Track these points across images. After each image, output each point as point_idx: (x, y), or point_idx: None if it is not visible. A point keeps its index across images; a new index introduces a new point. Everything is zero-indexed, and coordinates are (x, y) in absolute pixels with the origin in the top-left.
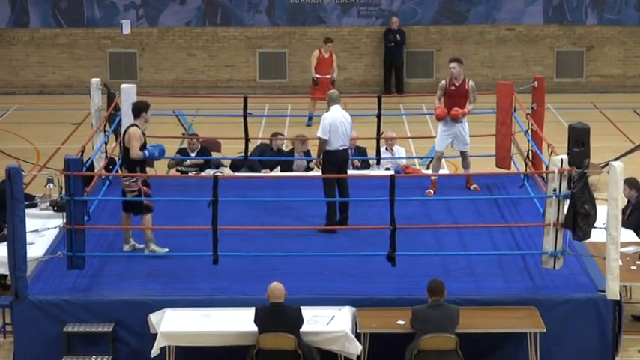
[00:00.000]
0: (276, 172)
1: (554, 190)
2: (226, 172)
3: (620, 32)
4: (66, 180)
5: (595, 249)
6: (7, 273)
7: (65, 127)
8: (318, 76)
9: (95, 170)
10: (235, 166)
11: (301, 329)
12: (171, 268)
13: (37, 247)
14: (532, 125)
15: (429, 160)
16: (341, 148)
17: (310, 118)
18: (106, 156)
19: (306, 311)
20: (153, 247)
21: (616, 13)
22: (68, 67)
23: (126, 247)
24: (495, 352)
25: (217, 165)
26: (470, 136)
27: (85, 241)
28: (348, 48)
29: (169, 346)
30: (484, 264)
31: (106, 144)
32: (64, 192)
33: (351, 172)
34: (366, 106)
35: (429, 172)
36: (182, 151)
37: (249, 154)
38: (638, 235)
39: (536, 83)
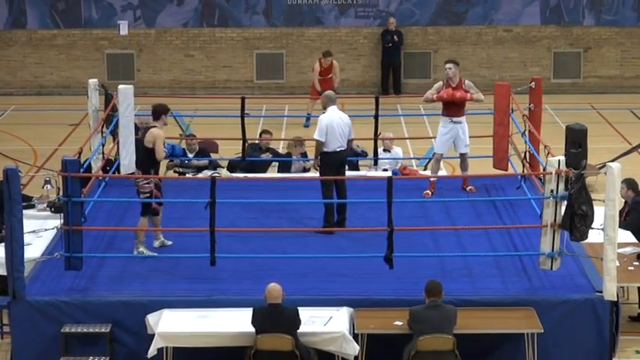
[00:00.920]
0: (274, 174)
1: (552, 191)
2: (224, 173)
3: (618, 33)
4: (63, 181)
5: (592, 250)
6: (5, 274)
7: (63, 128)
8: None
9: (92, 171)
10: (232, 166)
11: (299, 330)
12: (169, 269)
13: (35, 248)
14: (529, 126)
15: (427, 160)
16: (338, 150)
17: (308, 119)
18: (103, 157)
19: (304, 312)
20: (141, 249)
21: (613, 14)
22: (66, 68)
23: (156, 244)
24: (493, 353)
25: (215, 166)
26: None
27: (83, 242)
28: (346, 49)
29: (167, 347)
30: (482, 265)
31: (103, 145)
32: (61, 193)
33: (348, 173)
34: (364, 106)
35: (427, 173)
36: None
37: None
38: (635, 236)
39: (533, 84)
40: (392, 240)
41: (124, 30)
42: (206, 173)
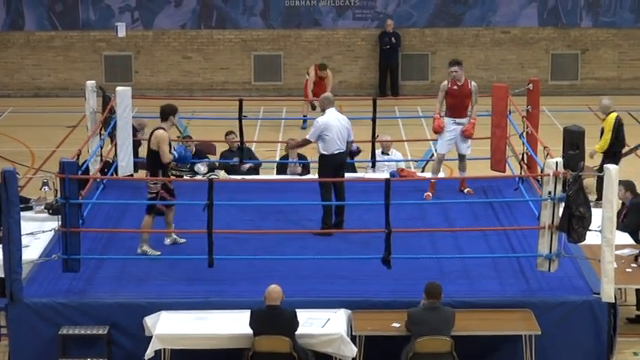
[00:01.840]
0: (272, 176)
1: (549, 192)
2: (221, 174)
3: (615, 35)
4: (61, 183)
5: (590, 251)
6: (2, 276)
7: (60, 130)
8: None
9: (90, 173)
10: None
11: (296, 332)
12: (167, 271)
13: (32, 249)
14: (527, 128)
15: (424, 162)
16: (336, 152)
17: (305, 121)
18: (101, 159)
19: (302, 314)
20: (145, 247)
21: (611, 15)
22: (63, 69)
23: (167, 241)
24: (491, 355)
25: (212, 168)
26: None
27: (80, 244)
28: (343, 51)
29: (164, 349)
30: (479, 267)
31: (101, 147)
32: (59, 195)
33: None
34: (362, 108)
35: (425, 174)
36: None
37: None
38: (633, 238)
39: (531, 86)
40: (390, 242)
41: (121, 32)
42: (199, 168)
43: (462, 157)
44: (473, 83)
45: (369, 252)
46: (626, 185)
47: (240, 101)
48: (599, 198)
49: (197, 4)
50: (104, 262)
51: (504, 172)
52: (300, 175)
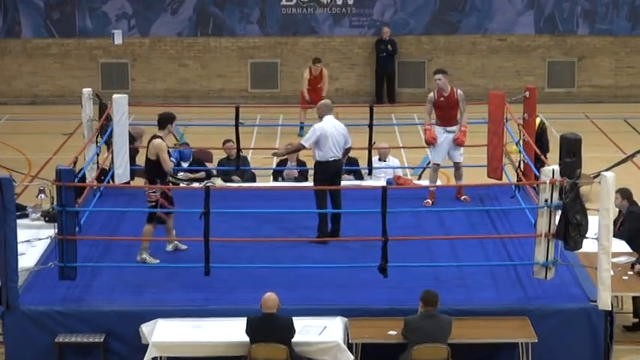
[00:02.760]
0: (268, 183)
1: (546, 200)
2: (218, 182)
3: (612, 42)
4: (58, 190)
5: (587, 259)
6: None
7: (57, 138)
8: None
9: (87, 181)
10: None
11: (293, 340)
12: (163, 278)
13: (29, 257)
14: (524, 135)
15: (421, 170)
16: (332, 159)
17: (302, 128)
18: (98, 167)
19: (298, 322)
20: (144, 255)
21: (607, 23)
22: (60, 77)
23: (169, 247)
24: None
25: (209, 175)
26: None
27: (77, 252)
28: (340, 58)
29: (161, 357)
30: (476, 275)
31: (97, 155)
32: (55, 202)
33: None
34: (358, 116)
35: (422, 182)
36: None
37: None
38: (629, 245)
39: (527, 93)
40: (386, 250)
41: (118, 39)
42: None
43: (456, 166)
44: (459, 92)
45: (365, 260)
46: (623, 193)
47: (237, 108)
48: None
49: (194, 11)
50: (101, 270)
51: (501, 179)
52: (297, 180)
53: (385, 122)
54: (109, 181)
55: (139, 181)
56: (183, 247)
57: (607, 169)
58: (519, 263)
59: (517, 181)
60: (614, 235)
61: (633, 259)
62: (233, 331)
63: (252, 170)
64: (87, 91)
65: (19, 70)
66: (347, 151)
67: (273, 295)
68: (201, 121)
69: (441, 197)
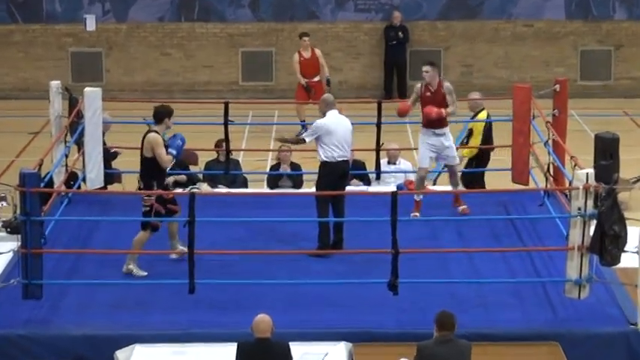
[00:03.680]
0: (261, 189)
1: (579, 208)
2: (204, 187)
3: None
4: (21, 197)
5: (626, 276)
6: None
7: (21, 137)
8: (304, 82)
9: (54, 186)
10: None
11: None
12: (142, 297)
13: None
14: (553, 135)
15: (437, 173)
16: (338, 159)
17: (304, 127)
18: (67, 170)
19: (296, 348)
20: (131, 266)
21: None
22: (25, 68)
23: (173, 256)
24: None
25: (194, 180)
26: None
27: (43, 267)
28: (344, 47)
29: None
30: (498, 293)
31: (66, 156)
32: (18, 211)
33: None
34: (364, 112)
35: (438, 187)
36: None
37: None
38: None
39: (557, 87)
40: (396, 264)
41: (91, 25)
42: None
43: (451, 170)
44: (446, 84)
45: (372, 275)
46: None
47: (226, 104)
48: None
49: None
50: (70, 288)
51: (527, 184)
52: (292, 186)
53: (395, 120)
54: (79, 187)
55: (118, 187)
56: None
57: None
58: (549, 280)
59: (546, 186)
60: None
61: None
62: (221, 358)
63: (244, 175)
64: (55, 84)
65: None
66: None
67: (266, 317)
68: (186, 118)
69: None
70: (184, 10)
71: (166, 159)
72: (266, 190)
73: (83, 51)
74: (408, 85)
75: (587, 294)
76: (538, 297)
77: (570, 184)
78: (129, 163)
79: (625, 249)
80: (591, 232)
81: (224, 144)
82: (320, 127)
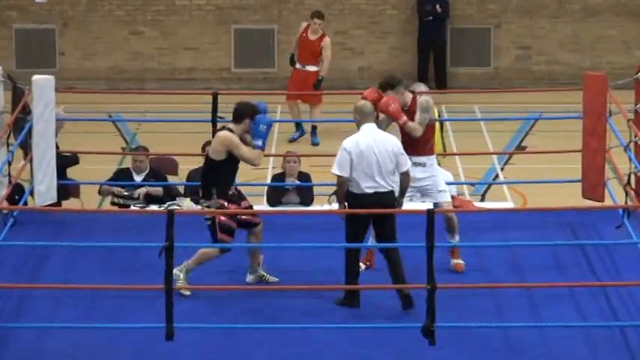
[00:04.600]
0: (262, 206)
1: None
2: (186, 203)
3: None
4: None
5: None
6: None
7: None
8: (298, 66)
9: None
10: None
11: None
12: (105, 345)
13: None
14: (636, 136)
15: (485, 186)
16: (368, 191)
17: (300, 128)
18: (10, 181)
19: None
20: (182, 279)
21: None
22: None
23: (249, 278)
24: None
25: (173, 194)
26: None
27: None
28: (366, 23)
29: None
30: (566, 340)
31: (9, 163)
32: None
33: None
34: None
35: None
36: (122, 173)
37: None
38: None
39: None
40: (433, 302)
41: None
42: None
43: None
44: (422, 98)
45: (403, 318)
46: None
47: (215, 96)
48: None
49: None
50: (12, 333)
51: (602, 200)
52: (300, 203)
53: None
54: (25, 203)
55: (75, 203)
56: (274, 278)
57: None
58: (629, 324)
59: (625, 202)
60: None
61: None
62: None
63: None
64: None
65: None
66: (404, 177)
67: None
68: (163, 115)
69: (509, 226)
70: None
71: (254, 155)
72: (266, 207)
73: (31, 28)
74: (449, 72)
75: None
76: (615, 345)
77: None
78: (88, 172)
79: None
80: None
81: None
82: (348, 147)
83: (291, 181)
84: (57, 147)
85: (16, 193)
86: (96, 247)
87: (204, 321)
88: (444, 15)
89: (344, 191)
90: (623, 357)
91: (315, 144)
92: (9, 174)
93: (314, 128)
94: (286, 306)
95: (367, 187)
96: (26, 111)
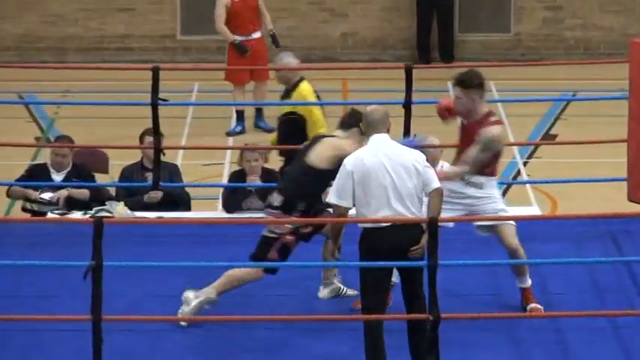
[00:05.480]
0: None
1: None
2: (119, 209)
3: None
4: None
5: None
6: None
7: None
8: (238, 38)
9: None
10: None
11: None
12: None
13: None
14: None
15: (503, 186)
16: (384, 225)
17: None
18: None
19: None
20: (190, 308)
21: None
22: None
23: (323, 293)
24: None
25: (102, 197)
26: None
27: None
28: None
29: None
30: None
31: None
32: None
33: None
34: (384, 85)
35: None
36: (38, 171)
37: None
38: None
39: None
40: (436, 337)
41: None
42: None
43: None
44: (488, 132)
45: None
46: None
47: (155, 72)
48: None
49: None
50: None
51: None
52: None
53: (435, 98)
54: None
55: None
56: (351, 291)
57: None
58: None
59: None
60: None
61: None
62: None
63: (186, 189)
64: None
65: None
66: (433, 200)
67: None
68: (89, 96)
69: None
70: None
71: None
72: (222, 214)
73: None
74: (457, 40)
75: None
76: None
77: None
78: None
79: None
80: None
81: (152, 138)
82: (350, 167)
83: (253, 180)
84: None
85: None
86: (3, 266)
87: None
88: None
89: (341, 228)
90: None
91: (267, 129)
92: None
93: (259, 110)
94: (251, 341)
95: (382, 216)
96: None
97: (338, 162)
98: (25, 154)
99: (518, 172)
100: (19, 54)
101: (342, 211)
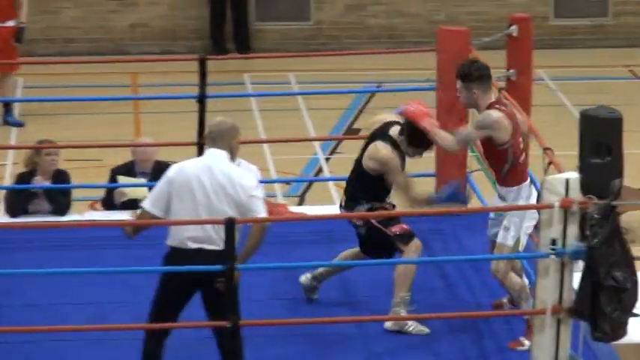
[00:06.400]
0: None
1: (553, 242)
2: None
3: None
4: None
5: (637, 356)
6: None
7: None
8: None
9: None
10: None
11: None
12: None
13: None
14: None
15: (305, 184)
16: (190, 245)
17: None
18: None
19: None
20: (402, 312)
21: None
22: None
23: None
24: None
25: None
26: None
27: None
28: None
29: None
30: None
31: None
32: None
33: None
34: (175, 78)
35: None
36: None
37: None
38: None
39: (514, 29)
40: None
41: None
42: None
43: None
44: (485, 112)
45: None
46: None
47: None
48: None
49: None
50: None
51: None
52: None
53: (231, 91)
54: None
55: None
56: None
57: None
58: None
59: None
60: None
61: None
62: None
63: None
64: None
65: None
66: (252, 232)
67: None
68: None
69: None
70: None
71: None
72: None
73: None
74: (253, 29)
75: None
76: None
77: (538, 198)
78: None
79: (634, 311)
80: (576, 283)
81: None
82: (167, 175)
83: (41, 180)
84: None
85: None
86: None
87: None
88: None
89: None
90: None
91: (17, 125)
92: None
93: (7, 105)
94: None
95: (190, 238)
96: None
97: (379, 169)
98: None
99: (320, 170)
100: None
101: (143, 215)
